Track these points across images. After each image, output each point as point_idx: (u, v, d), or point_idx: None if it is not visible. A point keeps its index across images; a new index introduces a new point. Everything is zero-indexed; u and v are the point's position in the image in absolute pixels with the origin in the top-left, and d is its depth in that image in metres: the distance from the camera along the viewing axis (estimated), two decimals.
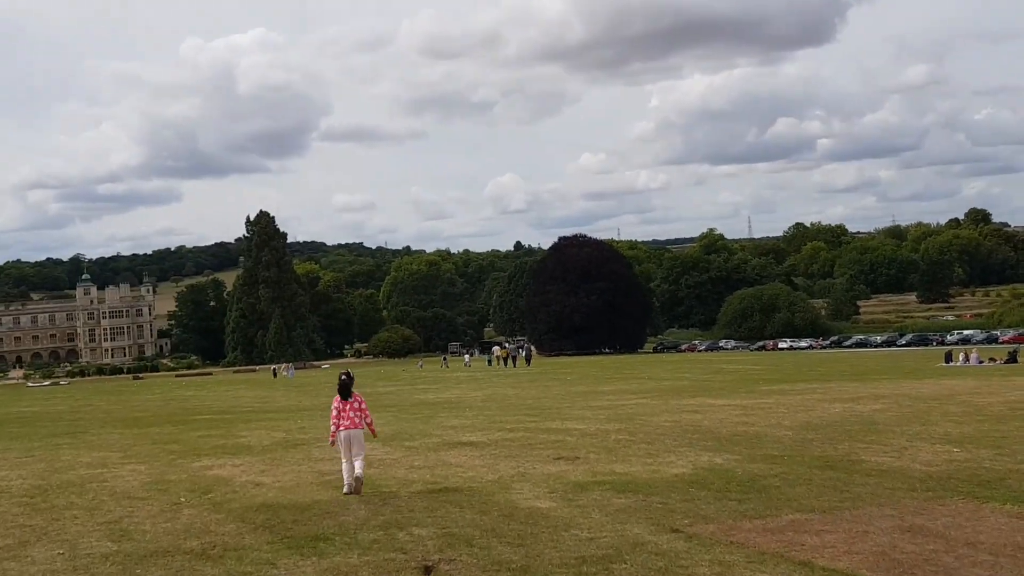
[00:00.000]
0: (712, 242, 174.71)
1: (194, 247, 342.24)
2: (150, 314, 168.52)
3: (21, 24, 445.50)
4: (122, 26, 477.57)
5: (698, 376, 38.69)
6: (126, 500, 10.27)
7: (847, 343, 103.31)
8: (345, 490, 10.24)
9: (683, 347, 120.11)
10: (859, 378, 32.44)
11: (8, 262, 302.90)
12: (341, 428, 10.37)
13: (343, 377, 10.64)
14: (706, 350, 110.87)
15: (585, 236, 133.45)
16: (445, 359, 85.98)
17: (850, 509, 8.97)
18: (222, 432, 18.48)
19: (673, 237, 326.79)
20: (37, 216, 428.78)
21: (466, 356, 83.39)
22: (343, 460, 10.41)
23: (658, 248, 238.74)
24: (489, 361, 70.51)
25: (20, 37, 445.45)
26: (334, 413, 10.54)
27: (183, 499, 10.25)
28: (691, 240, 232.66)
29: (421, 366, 74.60)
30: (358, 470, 10.26)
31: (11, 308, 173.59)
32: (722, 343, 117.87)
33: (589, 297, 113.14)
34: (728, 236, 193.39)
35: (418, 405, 26.08)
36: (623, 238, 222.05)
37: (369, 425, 10.79)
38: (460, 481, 10.94)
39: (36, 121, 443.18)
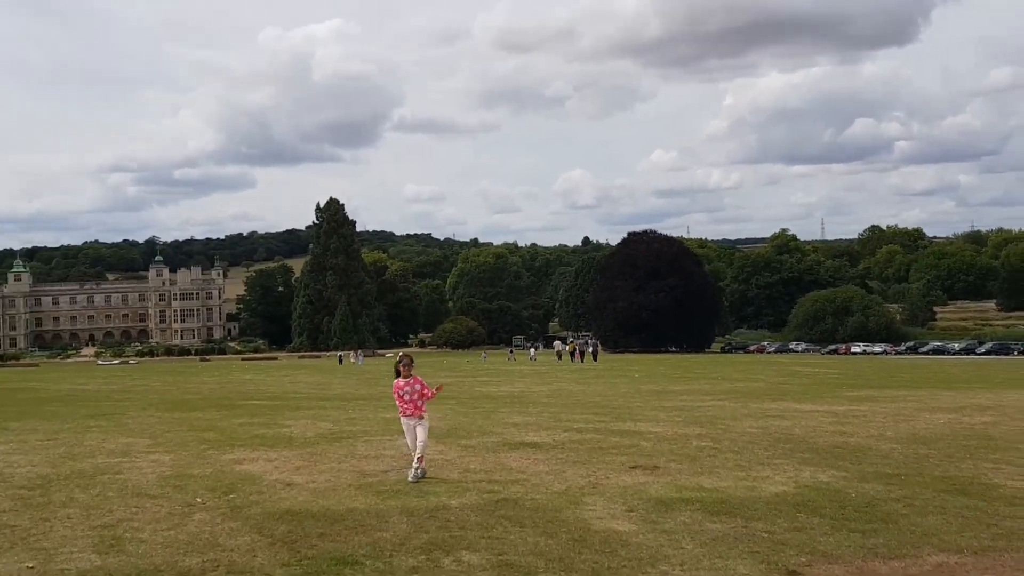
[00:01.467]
0: (784, 242, 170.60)
1: (265, 233, 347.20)
2: (220, 297, 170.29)
3: (104, 10, 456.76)
4: (202, 14, 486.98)
5: (773, 379, 36.56)
6: (134, 498, 8.88)
7: (923, 349, 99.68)
8: (411, 478, 9.93)
9: (751, 348, 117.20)
10: (949, 386, 30.08)
11: (86, 242, 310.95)
12: (403, 415, 10.33)
13: (401, 358, 10.44)
14: (775, 352, 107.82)
15: (655, 232, 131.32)
16: (511, 352, 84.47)
17: (1010, 552, 7.14)
18: (265, 420, 17.15)
19: (744, 237, 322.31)
20: (116, 198, 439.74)
21: (532, 350, 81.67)
22: (409, 446, 10.39)
23: (728, 247, 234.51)
24: (559, 355, 68.77)
25: (103, 23, 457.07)
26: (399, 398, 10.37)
27: (199, 499, 8.83)
28: (762, 240, 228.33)
29: (485, 358, 73.32)
30: (418, 451, 10.10)
31: (86, 287, 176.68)
32: (792, 345, 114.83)
33: (657, 294, 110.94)
34: (801, 237, 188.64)
35: (479, 398, 24.55)
36: (693, 236, 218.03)
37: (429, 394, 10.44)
38: (521, 491, 9.34)
39: (117, 106, 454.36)
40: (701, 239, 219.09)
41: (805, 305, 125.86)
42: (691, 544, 7.19)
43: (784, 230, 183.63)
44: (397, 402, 10.33)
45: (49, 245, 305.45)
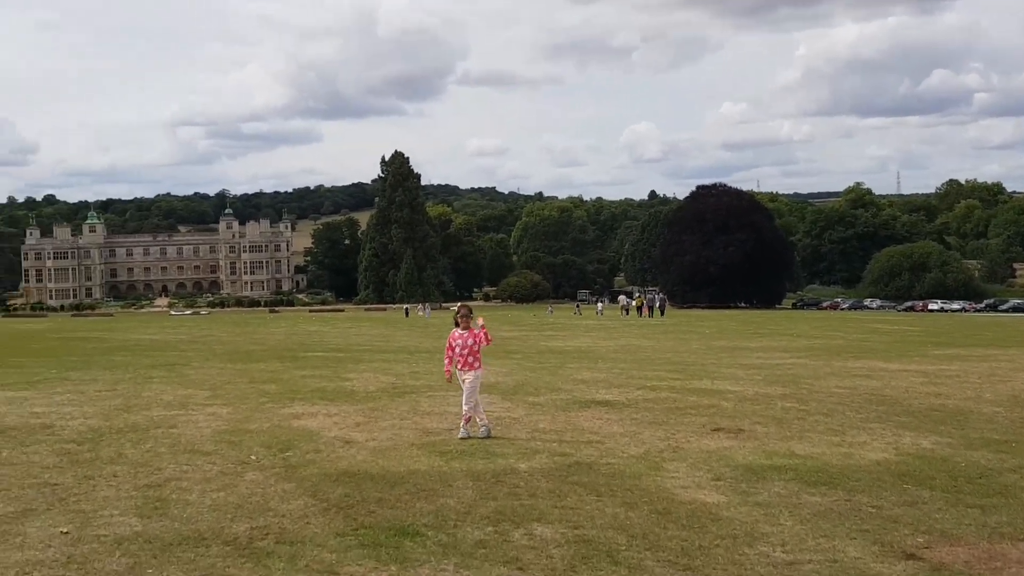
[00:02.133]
0: (859, 196, 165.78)
1: (332, 186, 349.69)
2: (288, 250, 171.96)
3: None
4: None
5: (852, 336, 35.26)
6: (186, 455, 8.38)
7: (1003, 307, 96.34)
8: (482, 432, 9.54)
9: (824, 304, 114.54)
10: None
11: (159, 195, 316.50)
12: (458, 368, 9.76)
13: (459, 308, 10.12)
14: (849, 308, 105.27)
15: (724, 185, 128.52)
16: (578, 306, 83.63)
17: None
18: (328, 373, 16.70)
19: (815, 191, 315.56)
20: (187, 152, 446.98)
21: (599, 304, 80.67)
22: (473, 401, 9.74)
23: (799, 202, 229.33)
24: (626, 310, 67.82)
25: None
26: (448, 349, 9.85)
27: (253, 457, 8.29)
28: (835, 194, 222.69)
29: (551, 312, 72.70)
30: (464, 408, 9.64)
31: (159, 239, 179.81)
32: (867, 302, 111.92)
33: (726, 248, 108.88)
34: (875, 191, 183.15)
35: (545, 353, 23.89)
36: (763, 190, 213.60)
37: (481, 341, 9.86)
38: (595, 454, 8.64)
39: (185, 60, 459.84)
40: (772, 193, 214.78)
41: (880, 261, 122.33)
42: (790, 520, 6.42)
43: (858, 183, 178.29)
44: (447, 352, 9.85)
45: (123, 198, 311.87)
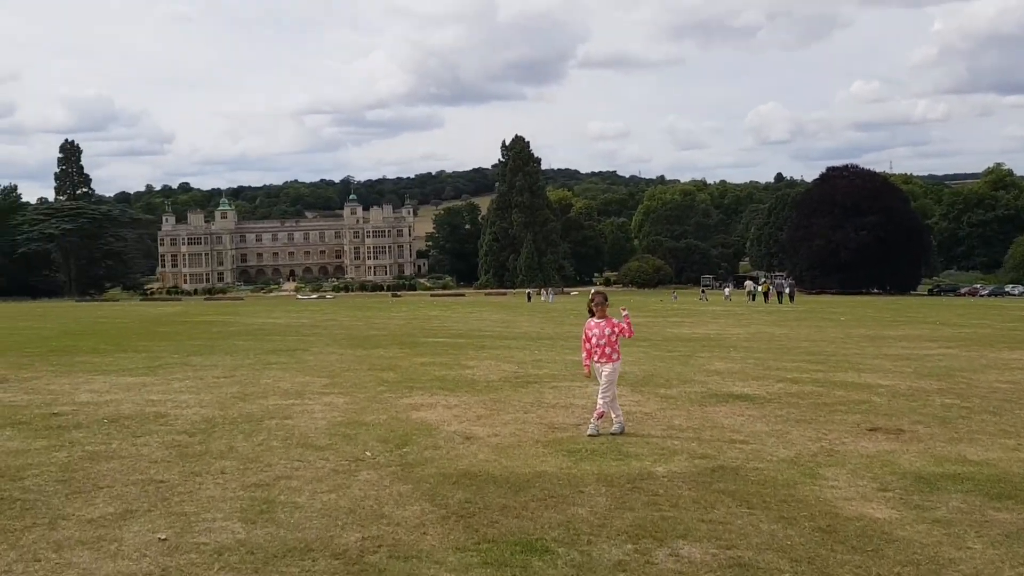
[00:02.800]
0: (1000, 178, 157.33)
1: (453, 172, 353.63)
2: (410, 235, 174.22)
3: None
4: None
5: (1001, 325, 32.98)
6: (298, 449, 7.89)
7: None
8: (615, 428, 8.81)
9: (963, 291, 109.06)
10: None
11: (287, 182, 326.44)
12: (595, 360, 8.98)
13: (593, 296, 9.21)
14: (990, 295, 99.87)
15: (856, 166, 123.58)
16: (703, 291, 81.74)
17: None
18: (448, 360, 16.20)
19: (952, 172, 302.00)
20: (313, 140, 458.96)
21: (726, 289, 78.63)
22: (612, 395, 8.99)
23: (935, 183, 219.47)
24: (752, 296, 65.82)
25: None
26: (586, 339, 9.08)
27: (368, 453, 7.75)
28: (973, 176, 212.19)
29: (676, 298, 71.23)
30: (599, 403, 8.86)
31: (286, 224, 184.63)
32: (1008, 288, 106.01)
33: (858, 232, 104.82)
34: (1017, 172, 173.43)
35: (672, 340, 22.93)
36: (895, 171, 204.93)
37: (622, 331, 9.05)
38: (740, 457, 7.78)
39: (311, 49, 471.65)
40: (905, 174, 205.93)
41: (1023, 245, 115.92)
42: (978, 542, 5.47)
43: (999, 164, 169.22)
44: (583, 344, 9.13)
45: (253, 184, 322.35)
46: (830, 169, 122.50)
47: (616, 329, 8.98)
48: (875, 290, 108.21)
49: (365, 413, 9.83)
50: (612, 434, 8.65)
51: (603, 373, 8.91)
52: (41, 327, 30.64)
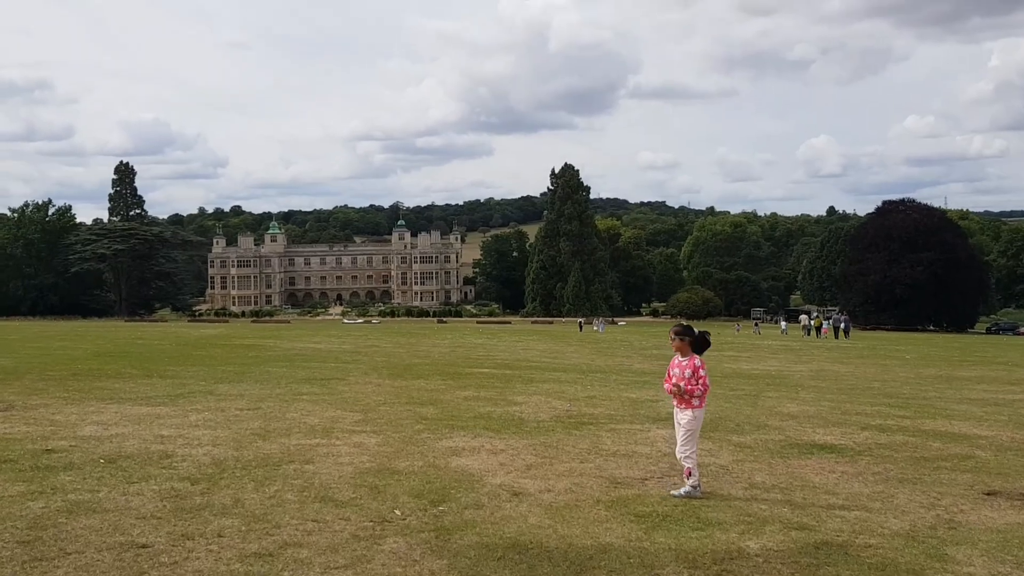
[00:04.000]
0: None
1: (502, 199, 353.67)
2: (457, 261, 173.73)
3: None
4: None
5: None
6: (315, 505, 6.67)
7: None
8: (685, 490, 7.35)
9: (1022, 329, 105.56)
10: None
11: (337, 207, 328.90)
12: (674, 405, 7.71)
13: (676, 328, 7.79)
14: None
15: (912, 201, 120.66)
16: (756, 324, 79.63)
17: None
18: (494, 395, 14.91)
19: (1009, 209, 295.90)
20: (364, 166, 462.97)
21: (783, 323, 76.37)
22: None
23: (992, 220, 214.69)
24: (808, 331, 63.75)
25: None
26: (675, 380, 7.64)
27: (397, 512, 6.51)
28: None
29: (739, 330, 69.42)
30: (684, 463, 7.42)
31: (335, 249, 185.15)
32: None
33: (914, 268, 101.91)
34: None
35: (732, 377, 21.44)
36: (950, 207, 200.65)
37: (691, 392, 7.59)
38: (844, 528, 6.42)
39: (363, 76, 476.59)
40: (961, 210, 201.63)
41: None
42: None
43: None
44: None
45: (303, 209, 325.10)
46: (886, 203, 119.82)
47: (698, 371, 7.60)
48: (931, 327, 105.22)
49: (398, 458, 8.60)
50: (681, 496, 7.30)
51: (681, 422, 7.57)
52: (74, 348, 29.87)
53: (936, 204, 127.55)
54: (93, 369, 19.25)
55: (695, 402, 7.58)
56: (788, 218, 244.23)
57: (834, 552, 5.81)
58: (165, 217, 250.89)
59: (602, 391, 15.72)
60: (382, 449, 9.06)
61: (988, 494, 7.77)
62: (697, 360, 7.66)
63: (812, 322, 66.89)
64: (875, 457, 9.48)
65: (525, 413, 12.35)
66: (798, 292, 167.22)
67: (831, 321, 64.24)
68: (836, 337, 57.20)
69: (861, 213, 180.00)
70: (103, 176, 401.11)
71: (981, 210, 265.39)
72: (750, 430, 11.24)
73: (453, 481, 7.59)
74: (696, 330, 7.88)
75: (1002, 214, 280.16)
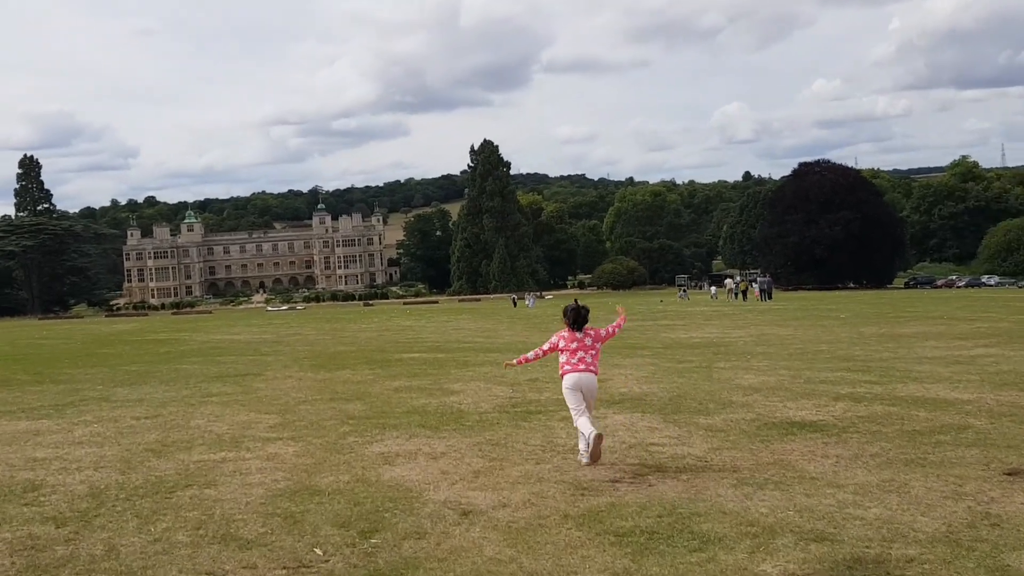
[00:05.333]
0: (967, 170, 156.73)
1: (422, 179, 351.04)
2: (380, 243, 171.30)
3: None
4: None
5: (1014, 317, 30.83)
6: (214, 546, 5.27)
7: None
8: (584, 460, 7.27)
9: (939, 283, 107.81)
10: None
11: (254, 193, 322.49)
12: (568, 371, 7.37)
13: (577, 308, 7.50)
14: (967, 286, 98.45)
15: (828, 161, 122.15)
16: (684, 291, 79.42)
17: None
18: (428, 383, 13.54)
19: (916, 167, 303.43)
20: (280, 151, 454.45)
21: (712, 288, 76.11)
22: (574, 415, 7.33)
23: (902, 177, 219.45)
24: (735, 295, 63.52)
25: None
26: (547, 346, 7.63)
27: (318, 551, 5.16)
28: (936, 170, 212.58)
29: (685, 296, 69.04)
30: (593, 429, 7.11)
31: (254, 236, 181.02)
32: (984, 279, 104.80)
33: (832, 227, 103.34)
34: (981, 165, 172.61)
35: (675, 348, 20.43)
36: (861, 167, 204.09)
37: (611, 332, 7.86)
38: (871, 534, 5.27)
39: (275, 60, 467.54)
40: (872, 169, 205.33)
41: (997, 235, 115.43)
42: None
43: (964, 157, 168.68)
44: (544, 351, 7.70)
45: (220, 197, 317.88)
46: (802, 165, 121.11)
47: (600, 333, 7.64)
48: (851, 284, 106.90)
49: (320, 472, 7.21)
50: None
51: (587, 387, 7.38)
52: None
53: (848, 165, 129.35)
54: None
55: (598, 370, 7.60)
56: (706, 185, 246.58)
57: (872, 572, 4.64)
58: (76, 211, 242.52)
59: (545, 372, 14.44)
60: (301, 461, 7.65)
61: (1009, 474, 6.73)
62: (595, 330, 7.61)
63: (738, 286, 66.78)
64: (863, 434, 8.42)
65: (464, 404, 11.03)
66: (720, 257, 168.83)
67: (759, 283, 64.16)
68: (762, 300, 57.05)
69: (776, 177, 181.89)
70: (7, 171, 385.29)
71: (890, 168, 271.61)
72: (716, 409, 10.10)
73: (387, 500, 6.24)
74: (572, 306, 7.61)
75: (910, 171, 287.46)
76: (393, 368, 16.49)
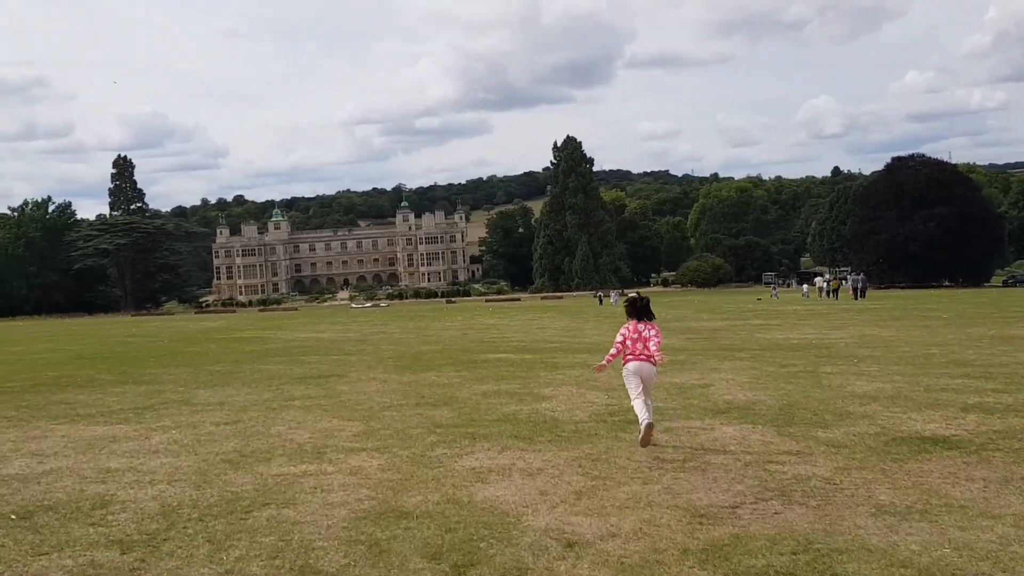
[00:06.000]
0: None
1: (504, 176, 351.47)
2: (462, 240, 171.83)
3: None
4: None
5: None
6: None
7: None
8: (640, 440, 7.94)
9: None
10: None
11: (339, 192, 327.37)
12: (629, 359, 8.21)
13: (636, 298, 8.50)
14: None
15: (922, 156, 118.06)
16: (774, 289, 77.37)
17: None
18: (517, 387, 12.92)
19: (1014, 161, 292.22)
20: (364, 150, 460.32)
21: (804, 286, 74.04)
22: (633, 398, 8.16)
23: (998, 172, 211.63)
24: (827, 293, 61.46)
25: None
26: (619, 340, 8.37)
27: None
28: None
29: (775, 296, 67.37)
30: (646, 416, 7.90)
31: (339, 233, 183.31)
32: None
33: (927, 224, 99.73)
34: None
35: (773, 350, 19.42)
36: (956, 162, 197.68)
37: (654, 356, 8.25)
38: None
39: (359, 60, 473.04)
40: (967, 164, 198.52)
41: None
42: None
43: None
44: (617, 344, 8.39)
45: (306, 195, 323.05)
46: (895, 159, 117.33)
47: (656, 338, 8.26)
48: (947, 283, 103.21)
49: (407, 489, 6.62)
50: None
51: (646, 375, 8.19)
52: (57, 350, 27.88)
53: (942, 159, 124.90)
54: (63, 376, 17.23)
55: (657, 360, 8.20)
56: (793, 181, 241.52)
57: None
58: (168, 210, 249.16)
59: None
60: (386, 476, 7.08)
61: None
62: (653, 325, 8.36)
63: (829, 284, 64.73)
64: (1006, 452, 7.52)
65: (558, 411, 10.37)
66: (808, 254, 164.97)
67: (850, 281, 62.06)
68: (855, 298, 55.14)
69: (866, 172, 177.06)
70: (104, 172, 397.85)
71: (986, 163, 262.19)
72: (833, 421, 9.25)
73: (481, 526, 5.62)
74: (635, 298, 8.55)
75: (1007, 166, 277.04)
76: (480, 370, 15.91)
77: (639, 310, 8.24)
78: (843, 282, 66.58)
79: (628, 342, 8.18)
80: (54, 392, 14.19)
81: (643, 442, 7.79)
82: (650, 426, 7.79)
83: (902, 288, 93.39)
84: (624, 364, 8.17)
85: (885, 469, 7.00)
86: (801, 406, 10.29)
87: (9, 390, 14.78)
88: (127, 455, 8.25)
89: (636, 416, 8.01)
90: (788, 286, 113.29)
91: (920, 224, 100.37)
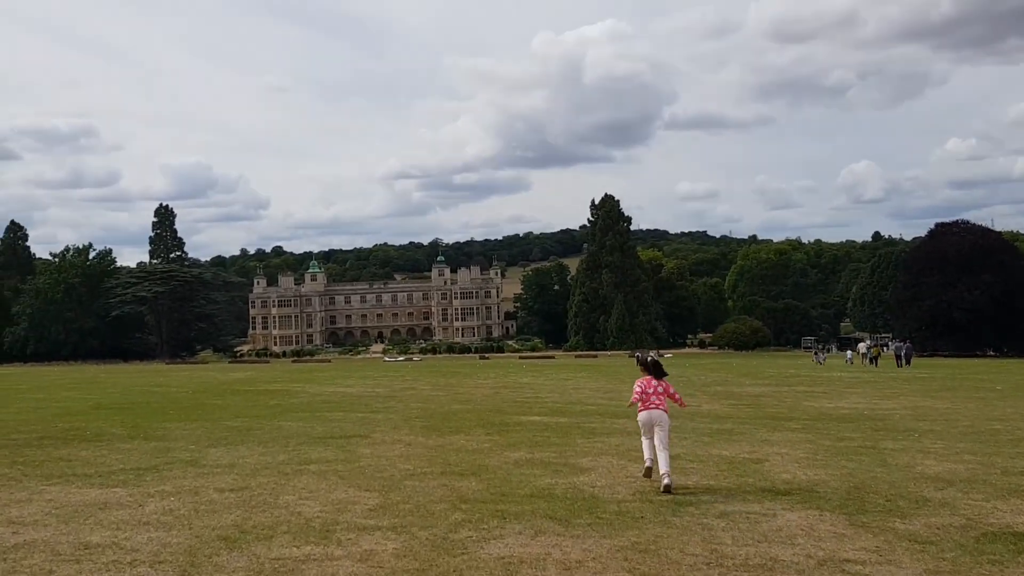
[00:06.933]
0: None
1: (541, 233, 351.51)
2: (498, 296, 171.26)
3: (388, 25, 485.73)
4: (478, 23, 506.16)
5: None
6: None
7: None
8: (644, 472, 9.70)
9: None
10: None
11: (376, 245, 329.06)
12: (642, 409, 9.54)
13: (650, 358, 10.14)
14: None
15: (967, 222, 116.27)
16: (816, 354, 75.60)
17: None
18: (552, 455, 11.92)
19: None
20: (402, 204, 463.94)
21: (848, 352, 72.28)
22: (643, 439, 9.70)
23: None
24: (871, 359, 59.82)
25: (387, 37, 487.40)
26: (637, 390, 9.73)
27: None
28: None
29: (823, 361, 65.79)
30: (663, 466, 9.17)
31: (375, 286, 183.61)
32: None
33: (972, 291, 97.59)
34: None
35: (824, 420, 18.25)
36: (999, 229, 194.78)
37: (674, 397, 9.96)
38: None
39: (401, 115, 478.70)
40: (1012, 231, 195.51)
41: None
42: None
43: None
44: (636, 394, 9.76)
45: (343, 248, 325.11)
46: (939, 225, 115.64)
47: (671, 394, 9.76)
48: (991, 352, 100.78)
49: None
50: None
51: (659, 422, 9.43)
52: (78, 399, 27.19)
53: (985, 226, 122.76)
54: (72, 429, 16.42)
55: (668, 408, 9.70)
56: (833, 244, 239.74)
57: None
58: (208, 259, 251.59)
59: (683, 447, 12.67)
60: (401, 564, 6.14)
61: None
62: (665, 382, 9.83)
63: (870, 350, 63.07)
64: None
65: (598, 486, 9.38)
66: (848, 319, 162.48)
67: (894, 348, 60.37)
68: (899, 366, 53.55)
69: (907, 237, 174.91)
70: (147, 220, 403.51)
71: None
72: (909, 509, 8.20)
73: None
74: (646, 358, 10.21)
75: None
76: (512, 434, 14.92)
77: (657, 370, 9.81)
78: (884, 349, 64.81)
79: (644, 394, 9.61)
80: (57, 446, 13.40)
81: (645, 475, 9.59)
82: (650, 469, 9.48)
83: (945, 356, 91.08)
84: (639, 412, 9.56)
85: (984, 575, 5.96)
86: (870, 489, 9.22)
87: (12, 443, 14.01)
88: (113, 527, 7.38)
89: (644, 451, 9.69)
90: (828, 351, 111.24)
91: (965, 291, 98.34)
